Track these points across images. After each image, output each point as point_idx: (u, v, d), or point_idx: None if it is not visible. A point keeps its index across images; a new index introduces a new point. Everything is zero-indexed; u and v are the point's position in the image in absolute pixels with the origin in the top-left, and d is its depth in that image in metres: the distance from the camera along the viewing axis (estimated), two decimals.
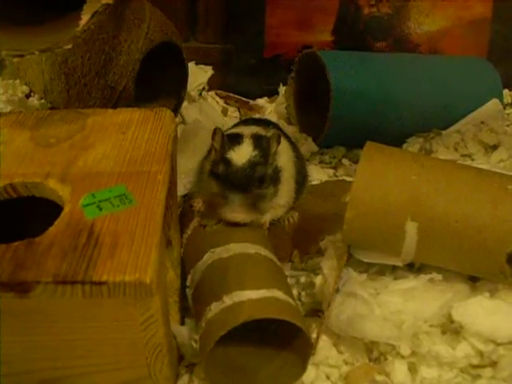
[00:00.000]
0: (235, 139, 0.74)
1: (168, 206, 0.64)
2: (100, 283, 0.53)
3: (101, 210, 0.60)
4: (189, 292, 0.70)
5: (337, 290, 0.71)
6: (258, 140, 0.74)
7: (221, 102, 1.16)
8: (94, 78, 0.84)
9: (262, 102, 1.17)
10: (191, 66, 1.14)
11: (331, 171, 0.97)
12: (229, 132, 0.78)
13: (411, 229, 0.69)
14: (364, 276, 0.73)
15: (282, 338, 0.66)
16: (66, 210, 0.59)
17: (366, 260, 0.72)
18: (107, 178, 0.64)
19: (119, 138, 0.69)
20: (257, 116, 1.08)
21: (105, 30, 0.84)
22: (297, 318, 0.62)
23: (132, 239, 0.57)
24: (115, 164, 0.66)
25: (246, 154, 0.73)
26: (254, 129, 0.78)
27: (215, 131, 0.74)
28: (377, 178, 0.70)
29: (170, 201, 0.66)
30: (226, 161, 0.72)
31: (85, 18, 0.70)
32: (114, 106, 0.87)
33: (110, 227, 0.58)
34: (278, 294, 0.64)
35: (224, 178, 0.72)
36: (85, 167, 0.65)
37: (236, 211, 0.72)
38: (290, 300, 0.65)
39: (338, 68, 1.00)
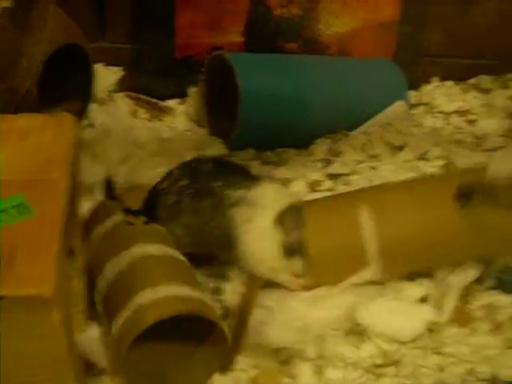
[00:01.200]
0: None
1: (69, 213, 0.63)
2: None
3: None
4: (97, 299, 0.70)
5: None
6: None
7: (131, 103, 1.14)
8: None
9: (172, 103, 1.16)
10: (99, 67, 1.12)
11: None
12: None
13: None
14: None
15: (199, 333, 0.66)
16: None
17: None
18: (6, 186, 0.62)
19: (19, 144, 0.68)
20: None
21: (6, 33, 0.82)
22: (207, 312, 0.62)
23: (31, 251, 0.55)
24: (15, 172, 0.64)
25: None
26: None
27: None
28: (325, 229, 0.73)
29: (72, 207, 0.65)
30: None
31: None
32: (18, 109, 0.84)
33: (9, 239, 0.56)
34: (186, 290, 0.64)
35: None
36: None
37: None
38: (200, 295, 0.65)
39: (246, 70, 1.00)
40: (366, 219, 0.71)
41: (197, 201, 0.75)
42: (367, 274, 0.72)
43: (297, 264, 0.70)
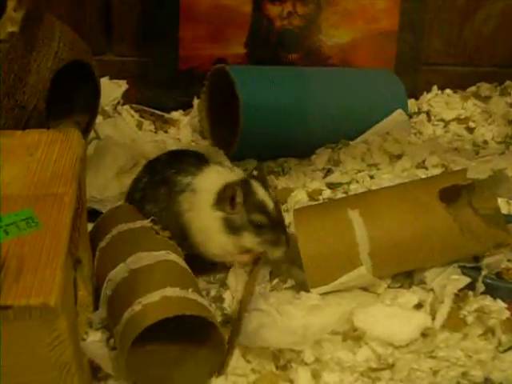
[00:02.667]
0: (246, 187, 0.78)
1: (75, 226, 0.66)
2: (6, 307, 0.55)
3: (7, 234, 0.61)
4: (102, 304, 0.72)
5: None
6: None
7: (136, 115, 1.18)
8: (4, 98, 0.85)
9: (176, 115, 1.19)
10: (105, 81, 1.15)
11: None
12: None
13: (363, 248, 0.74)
14: (267, 288, 0.77)
15: (199, 335, 0.69)
16: None
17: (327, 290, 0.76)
18: (15, 201, 0.65)
19: (27, 159, 0.71)
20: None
21: (14, 51, 0.85)
22: (205, 313, 0.65)
23: (37, 263, 0.58)
24: (23, 187, 0.67)
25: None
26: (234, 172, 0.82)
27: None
28: (316, 232, 0.75)
29: (78, 221, 0.68)
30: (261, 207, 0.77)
31: None
32: (26, 125, 0.87)
33: (16, 251, 0.59)
34: (186, 292, 0.67)
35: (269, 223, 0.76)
36: None
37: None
38: (199, 298, 0.68)
39: (247, 83, 1.03)
40: (357, 222, 0.74)
41: (156, 190, 0.81)
42: (359, 273, 0.74)
43: (242, 240, 0.77)
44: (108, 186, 0.92)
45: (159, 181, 0.81)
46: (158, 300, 0.66)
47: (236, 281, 0.79)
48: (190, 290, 0.68)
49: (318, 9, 1.28)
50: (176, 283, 0.68)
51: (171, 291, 0.67)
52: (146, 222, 0.79)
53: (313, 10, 1.28)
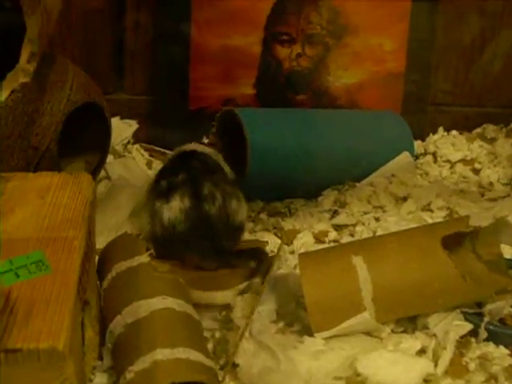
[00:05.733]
0: None
1: (84, 269, 0.67)
2: (15, 350, 0.56)
3: (18, 276, 0.63)
4: (107, 349, 0.73)
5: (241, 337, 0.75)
6: None
7: (146, 154, 1.20)
8: (17, 140, 0.87)
9: None
10: (116, 121, 1.17)
11: (250, 225, 1.01)
12: None
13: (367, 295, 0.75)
14: (275, 327, 0.77)
15: None
16: None
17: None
18: (25, 243, 0.66)
19: (38, 202, 0.72)
20: None
21: (28, 93, 0.87)
22: (196, 376, 0.66)
23: (47, 306, 0.59)
24: (33, 230, 0.68)
25: None
26: None
27: None
28: (321, 277, 0.77)
29: (87, 264, 0.70)
30: None
31: (4, 93, 0.73)
32: (37, 166, 0.89)
33: (26, 294, 0.61)
34: (191, 353, 0.68)
35: None
36: (4, 233, 0.67)
37: None
38: (203, 358, 0.68)
39: (255, 125, 1.04)
40: (360, 268, 0.75)
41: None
42: (363, 318, 0.75)
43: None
44: (121, 227, 0.93)
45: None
46: (148, 367, 0.66)
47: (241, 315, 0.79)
48: (181, 348, 0.68)
49: (327, 50, 1.31)
50: (169, 339, 0.69)
51: (162, 354, 0.67)
52: (145, 258, 0.80)
53: (321, 51, 1.31)
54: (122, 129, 1.18)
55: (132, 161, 1.14)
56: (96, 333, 0.76)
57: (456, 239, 0.78)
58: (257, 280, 0.82)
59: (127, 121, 1.22)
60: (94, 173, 1.01)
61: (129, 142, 1.21)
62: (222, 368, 0.76)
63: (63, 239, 0.67)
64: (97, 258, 0.82)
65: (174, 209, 0.81)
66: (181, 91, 1.25)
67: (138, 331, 0.71)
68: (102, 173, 1.07)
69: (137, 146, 1.20)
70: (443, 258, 0.75)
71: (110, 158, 1.10)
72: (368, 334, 0.77)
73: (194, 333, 0.73)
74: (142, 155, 1.18)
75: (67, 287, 0.61)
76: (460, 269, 0.76)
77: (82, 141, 1.03)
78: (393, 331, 0.78)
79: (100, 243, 0.83)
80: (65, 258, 0.65)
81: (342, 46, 1.31)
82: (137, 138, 1.23)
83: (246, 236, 0.91)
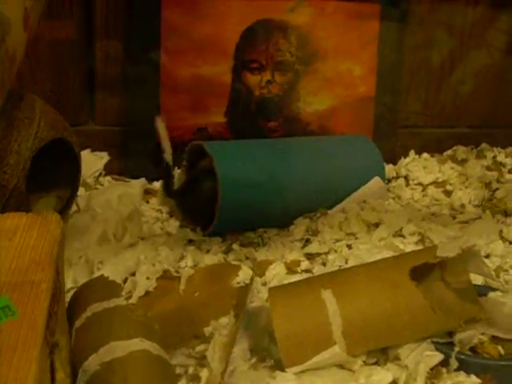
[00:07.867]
0: None
1: (52, 313, 0.67)
2: None
3: None
4: None
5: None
6: None
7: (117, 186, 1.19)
8: None
9: (158, 185, 1.20)
10: (86, 153, 1.17)
11: (222, 256, 1.01)
12: None
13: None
14: (247, 365, 0.77)
15: None
16: None
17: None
18: None
19: (5, 244, 0.72)
20: None
21: None
22: None
23: (13, 353, 0.59)
24: (1, 273, 0.68)
25: None
26: None
27: None
28: (291, 312, 0.77)
29: (55, 306, 0.69)
30: None
31: None
32: (5, 204, 0.89)
33: None
34: None
35: None
36: None
37: None
38: None
39: (225, 158, 1.05)
40: (330, 302, 0.75)
41: None
42: (333, 352, 0.75)
43: None
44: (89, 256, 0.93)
45: None
46: None
47: (215, 355, 0.79)
48: None
49: (297, 77, 1.32)
50: (146, 378, 0.69)
51: None
52: (121, 300, 0.80)
53: (291, 77, 1.32)
54: (92, 161, 1.18)
55: (103, 192, 1.13)
56: (67, 375, 0.75)
57: (425, 268, 0.78)
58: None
59: (98, 153, 1.22)
60: (66, 207, 1.01)
61: (100, 174, 1.20)
62: None
63: (30, 282, 0.66)
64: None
65: None
66: (152, 121, 1.25)
67: (114, 369, 0.70)
68: (74, 207, 1.07)
69: (108, 177, 1.20)
70: (412, 289, 0.76)
71: (81, 191, 1.10)
72: (340, 366, 0.77)
73: (170, 375, 0.73)
74: (114, 187, 1.18)
75: (34, 332, 0.61)
76: (429, 299, 0.76)
77: (53, 176, 1.03)
78: (365, 363, 0.78)
79: (69, 276, 0.83)
80: (32, 302, 0.64)
81: (312, 71, 1.32)
82: (109, 169, 1.23)
83: None
